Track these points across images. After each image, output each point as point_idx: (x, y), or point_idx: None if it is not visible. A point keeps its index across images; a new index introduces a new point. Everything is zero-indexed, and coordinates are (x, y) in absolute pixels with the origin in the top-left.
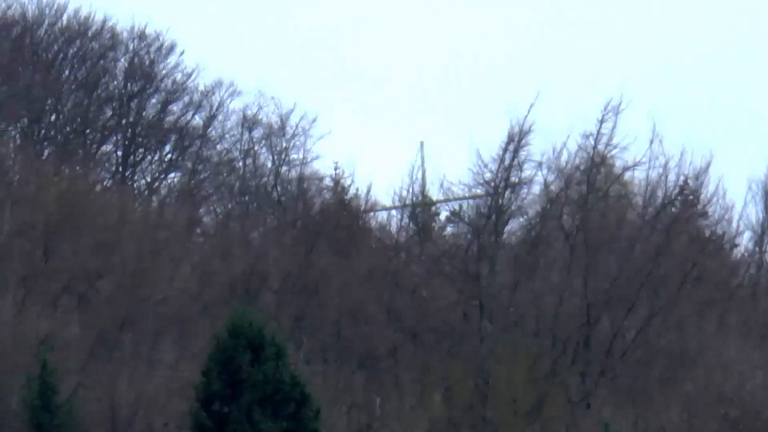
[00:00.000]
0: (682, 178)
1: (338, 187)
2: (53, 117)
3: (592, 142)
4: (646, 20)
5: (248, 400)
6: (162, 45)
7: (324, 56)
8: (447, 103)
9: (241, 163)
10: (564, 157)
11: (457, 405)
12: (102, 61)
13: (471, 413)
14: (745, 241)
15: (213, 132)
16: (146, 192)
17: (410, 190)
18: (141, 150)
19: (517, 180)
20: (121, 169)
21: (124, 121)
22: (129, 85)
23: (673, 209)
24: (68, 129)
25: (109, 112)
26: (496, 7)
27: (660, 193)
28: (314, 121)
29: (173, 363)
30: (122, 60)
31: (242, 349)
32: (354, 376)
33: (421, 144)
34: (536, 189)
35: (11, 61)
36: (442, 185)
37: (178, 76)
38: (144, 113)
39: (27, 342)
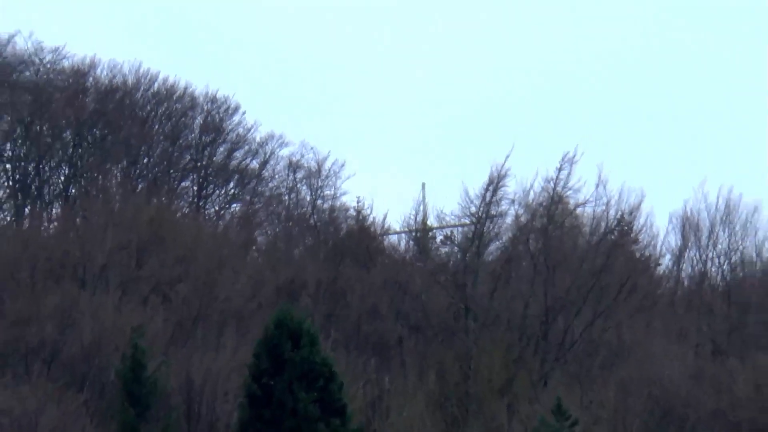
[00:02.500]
0: (619, 213)
1: (360, 216)
2: (145, 160)
3: (552, 185)
4: (596, 90)
5: (288, 377)
6: (229, 106)
7: (352, 114)
8: (443, 153)
9: (286, 197)
10: (531, 196)
11: (447, 382)
12: (183, 118)
13: (457, 389)
14: (666, 261)
15: (266, 173)
16: (215, 218)
17: (414, 219)
18: (211, 186)
19: (495, 213)
20: (196, 200)
21: (199, 164)
22: (203, 137)
23: (612, 237)
24: (156, 169)
25: (187, 157)
26: (481, 78)
27: (602, 225)
28: (343, 165)
29: (233, 348)
30: (198, 118)
31: (285, 338)
32: (369, 360)
33: (423, 185)
34: (509, 220)
35: (115, 118)
36: (438, 215)
37: (241, 130)
38: (214, 158)
39: (123, 330)
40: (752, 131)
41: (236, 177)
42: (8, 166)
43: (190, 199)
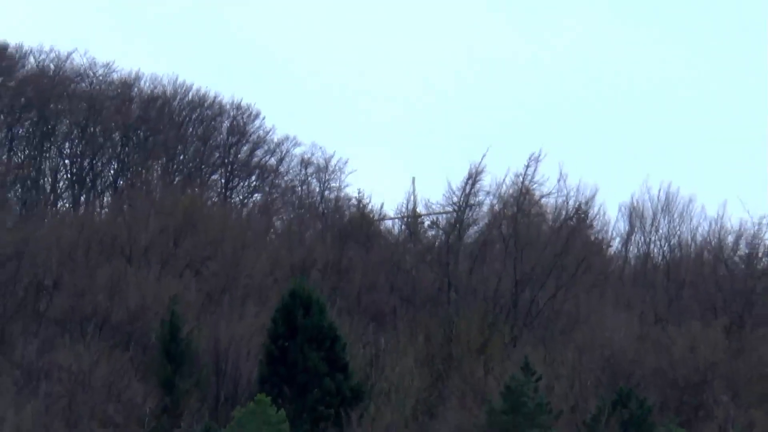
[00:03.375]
0: (577, 203)
1: (360, 205)
2: (181, 157)
3: (521, 180)
4: (558, 98)
5: (300, 339)
6: (251, 112)
7: (354, 118)
8: (430, 151)
9: (299, 189)
10: (503, 189)
11: (433, 344)
12: (213, 123)
13: (441, 349)
14: (616, 244)
15: (282, 169)
16: (239, 207)
17: (406, 207)
18: (236, 179)
19: (473, 202)
20: (223, 191)
21: (225, 161)
22: (229, 138)
23: (571, 223)
24: (190, 165)
25: (216, 155)
26: (461, 86)
27: (563, 213)
28: (346, 162)
29: (254, 315)
30: (225, 122)
31: (298, 307)
32: (368, 326)
33: (413, 179)
34: (485, 209)
35: (156, 122)
36: (426, 204)
37: (261, 133)
38: (238, 156)
39: (162, 299)
40: (688, 134)
41: (257, 172)
42: (67, 161)
43: (219, 191)
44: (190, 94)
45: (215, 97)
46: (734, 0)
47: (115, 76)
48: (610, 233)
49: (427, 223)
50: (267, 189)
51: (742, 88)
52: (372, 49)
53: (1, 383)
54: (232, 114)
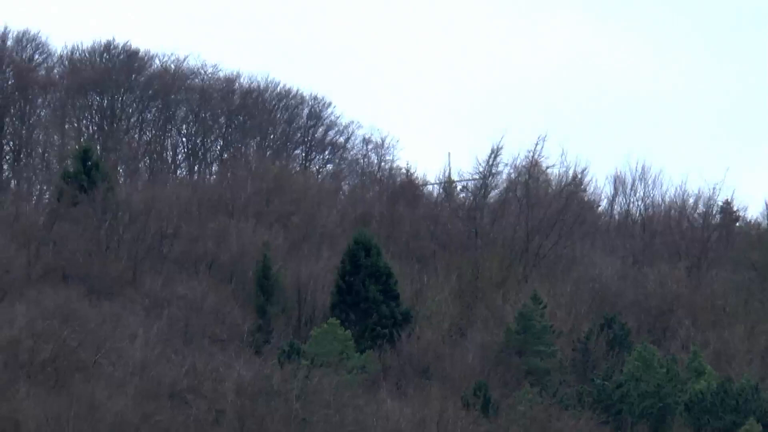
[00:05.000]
0: (574, 172)
1: (408, 173)
2: (271, 136)
3: (532, 154)
4: (563, 86)
5: (363, 275)
6: (325, 102)
7: (405, 102)
8: (462, 131)
9: (361, 161)
10: (518, 161)
11: (463, 280)
12: (295, 110)
13: (469, 284)
14: (604, 204)
15: (348, 145)
16: (316, 174)
17: (443, 175)
18: (313, 153)
19: (494, 171)
20: (304, 162)
21: (305, 139)
22: (308, 122)
23: (570, 187)
24: (278, 143)
25: (298, 135)
26: (487, 76)
27: (563, 180)
28: (398, 140)
29: (327, 257)
30: (306, 109)
31: (360, 251)
32: (413, 266)
33: (449, 153)
34: (504, 176)
35: (252, 110)
36: (458, 173)
37: (332, 117)
38: (315, 135)
39: (257, 245)
40: (661, 119)
41: (329, 148)
42: (184, 139)
43: (300, 162)
44: (278, 88)
45: (297, 90)
46: None
47: (221, 74)
48: (600, 195)
49: (459, 187)
50: (337, 161)
51: (701, 79)
52: (421, 51)
53: (133, 309)
54: (310, 103)
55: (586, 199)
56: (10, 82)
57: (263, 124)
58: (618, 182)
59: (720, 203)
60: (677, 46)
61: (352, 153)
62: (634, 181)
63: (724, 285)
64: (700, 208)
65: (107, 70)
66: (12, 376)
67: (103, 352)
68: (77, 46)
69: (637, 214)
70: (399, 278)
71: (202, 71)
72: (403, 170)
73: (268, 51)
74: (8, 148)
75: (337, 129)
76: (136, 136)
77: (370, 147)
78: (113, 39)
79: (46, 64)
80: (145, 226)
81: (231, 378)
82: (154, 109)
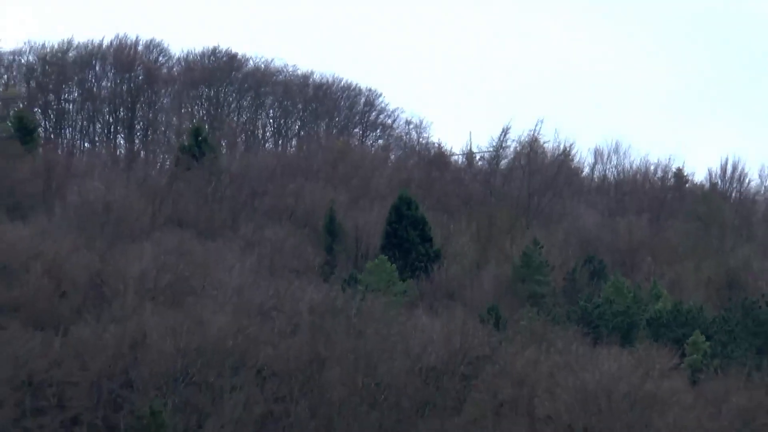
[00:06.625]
0: (564, 146)
1: (439, 147)
2: (336, 119)
3: (533, 133)
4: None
5: (405, 224)
6: (376, 93)
7: (439, 93)
8: (481, 114)
9: (404, 137)
10: (522, 138)
11: (480, 230)
12: (354, 99)
13: (485, 230)
14: (587, 170)
15: (395, 125)
16: (371, 148)
17: (466, 148)
18: (368, 131)
19: (504, 146)
20: (361, 139)
21: (362, 122)
22: (364, 108)
23: (561, 158)
24: (342, 124)
25: (356, 118)
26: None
27: (556, 152)
28: (432, 123)
29: (378, 210)
30: (362, 98)
31: (403, 204)
32: (443, 216)
33: (470, 132)
34: (511, 149)
35: (323, 99)
36: (477, 147)
37: (382, 104)
38: (369, 118)
39: (325, 201)
40: (631, 104)
41: (380, 127)
42: (270, 120)
43: (359, 138)
44: (342, 83)
45: (356, 84)
46: None
47: (299, 72)
48: (584, 163)
49: (477, 157)
50: (386, 137)
51: (663, 71)
52: (451, 53)
53: (232, 248)
54: (366, 94)
55: (573, 166)
56: (140, 78)
57: (330, 109)
58: (597, 154)
59: (674, 169)
60: (638, 43)
61: (397, 131)
62: (609, 152)
63: (677, 232)
64: (659, 173)
65: (213, 69)
66: (141, 299)
67: (209, 280)
68: (191, 51)
69: (612, 178)
70: (432, 226)
71: (285, 70)
72: (436, 144)
73: (334, 54)
74: (139, 127)
75: (386, 113)
76: (235, 118)
77: (411, 127)
78: (218, 45)
79: (167, 65)
80: (241, 186)
81: (305, 300)
82: (248, 98)
